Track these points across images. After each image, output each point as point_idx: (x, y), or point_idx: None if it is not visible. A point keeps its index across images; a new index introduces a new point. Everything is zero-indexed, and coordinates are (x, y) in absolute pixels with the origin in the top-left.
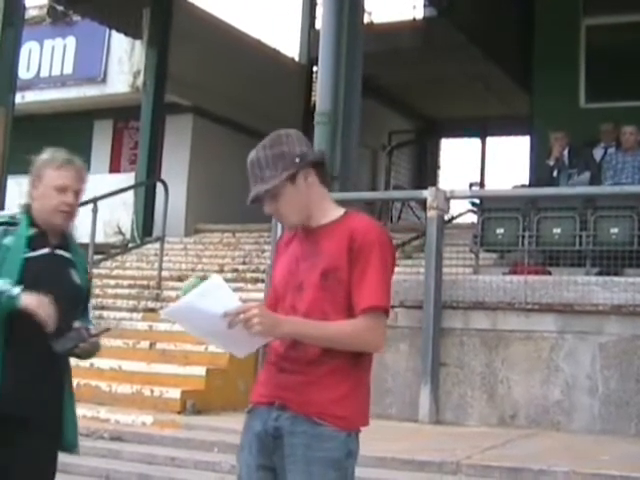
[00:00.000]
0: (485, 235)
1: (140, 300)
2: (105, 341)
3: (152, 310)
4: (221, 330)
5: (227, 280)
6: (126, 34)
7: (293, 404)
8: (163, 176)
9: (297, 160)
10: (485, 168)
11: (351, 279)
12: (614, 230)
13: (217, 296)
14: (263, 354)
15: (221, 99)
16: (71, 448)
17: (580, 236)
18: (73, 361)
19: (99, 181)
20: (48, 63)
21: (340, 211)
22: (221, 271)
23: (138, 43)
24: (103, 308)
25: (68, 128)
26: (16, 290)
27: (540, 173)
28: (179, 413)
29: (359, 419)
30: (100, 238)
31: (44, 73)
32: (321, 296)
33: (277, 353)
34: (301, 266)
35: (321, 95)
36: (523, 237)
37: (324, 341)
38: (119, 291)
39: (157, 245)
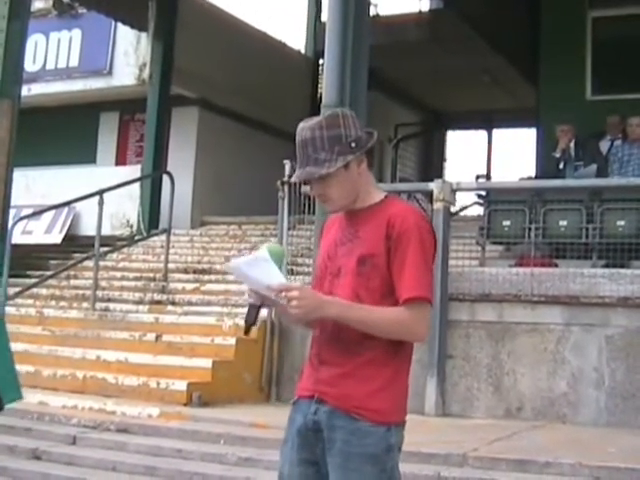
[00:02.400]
0: (491, 227)
1: (146, 292)
2: (111, 333)
3: (158, 302)
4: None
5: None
6: (132, 26)
7: (330, 397)
8: (169, 168)
9: (353, 145)
10: (491, 160)
11: (391, 268)
12: (620, 222)
13: (263, 269)
14: (271, 346)
15: (227, 91)
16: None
17: (587, 228)
18: (80, 354)
19: (105, 174)
20: (54, 55)
21: (381, 195)
22: (227, 262)
23: (144, 35)
24: (109, 300)
25: (74, 121)
26: None
27: (546, 165)
28: (185, 405)
29: (397, 412)
30: (106, 230)
31: (50, 66)
32: (357, 281)
33: (318, 344)
34: (339, 251)
35: (327, 88)
36: (529, 229)
37: (367, 325)
38: (125, 283)
39: (163, 237)
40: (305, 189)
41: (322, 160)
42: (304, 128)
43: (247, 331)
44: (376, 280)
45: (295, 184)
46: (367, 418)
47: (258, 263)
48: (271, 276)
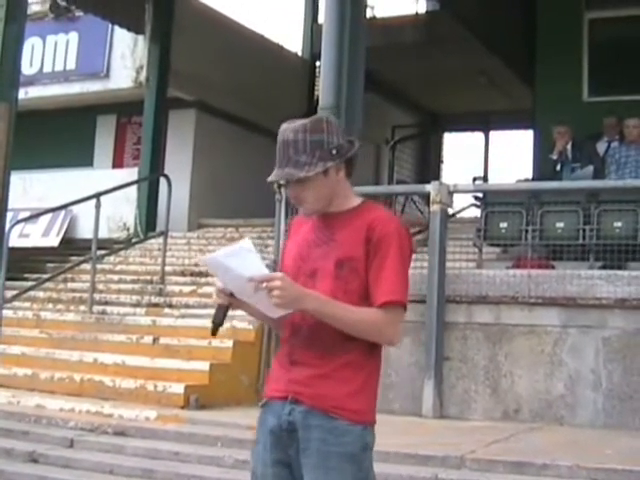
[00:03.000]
0: (488, 229)
1: (143, 295)
2: (108, 336)
3: (155, 305)
4: (250, 291)
5: None
6: (129, 29)
7: (306, 398)
8: (166, 171)
9: (334, 152)
10: (488, 162)
11: (369, 271)
12: (617, 224)
13: (245, 260)
14: (268, 349)
15: (224, 94)
16: None
17: (584, 230)
18: (77, 357)
19: (102, 176)
20: (51, 58)
21: (357, 200)
22: None
23: (141, 38)
24: (106, 303)
25: (71, 123)
26: None
27: (543, 167)
28: (182, 408)
29: (372, 412)
30: (103, 233)
31: (47, 69)
32: (335, 284)
33: (290, 346)
34: (313, 252)
35: (324, 90)
36: (526, 231)
37: (345, 323)
38: (122, 286)
39: (160, 240)
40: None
41: (302, 163)
42: (287, 129)
43: (215, 332)
44: (354, 283)
45: None
46: (345, 417)
47: (240, 253)
48: (253, 267)
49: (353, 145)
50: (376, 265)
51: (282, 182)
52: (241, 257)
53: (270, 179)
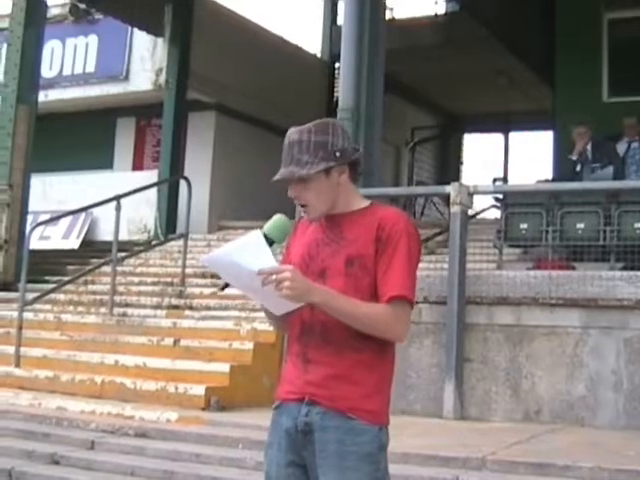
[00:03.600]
0: (509, 230)
1: (164, 297)
2: (129, 338)
3: (176, 307)
4: (257, 287)
5: None
6: (148, 32)
7: (323, 399)
8: (186, 173)
9: (337, 154)
10: (508, 163)
11: (377, 267)
12: (638, 225)
13: (255, 253)
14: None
15: (243, 96)
16: None
17: (604, 231)
18: (98, 359)
19: (122, 179)
20: (70, 61)
21: (366, 202)
22: None
23: (160, 41)
24: (127, 305)
25: (91, 126)
26: None
27: (563, 168)
28: (203, 409)
29: (386, 414)
30: (124, 236)
31: (67, 71)
32: (345, 282)
33: (302, 344)
34: (322, 251)
35: (343, 91)
36: (547, 232)
37: (353, 317)
38: (143, 288)
39: (181, 242)
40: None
41: (304, 162)
42: (294, 131)
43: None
44: (365, 280)
45: None
46: (361, 418)
47: (250, 246)
48: (261, 260)
49: (357, 151)
50: (384, 261)
51: (282, 181)
52: (250, 250)
53: (274, 178)
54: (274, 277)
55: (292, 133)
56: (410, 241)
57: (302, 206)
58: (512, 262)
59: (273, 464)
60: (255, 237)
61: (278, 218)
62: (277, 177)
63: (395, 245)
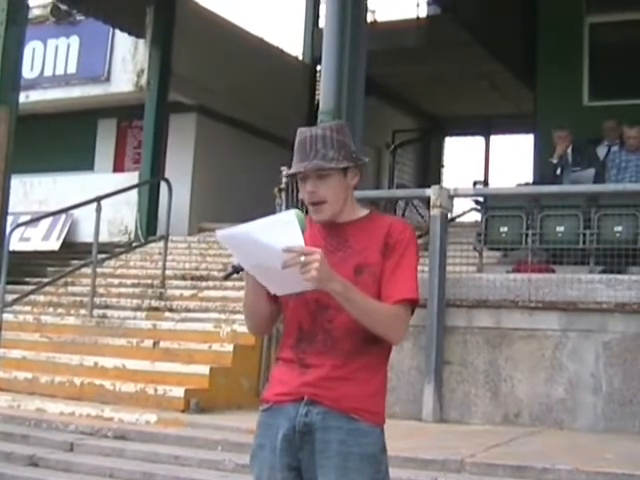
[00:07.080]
0: (489, 233)
1: (144, 299)
2: (109, 340)
3: (156, 309)
4: (271, 265)
5: (232, 279)
6: (129, 33)
7: (325, 399)
8: (167, 175)
9: (354, 156)
10: (489, 166)
11: (383, 271)
12: (618, 228)
13: (283, 231)
14: (268, 353)
15: (225, 98)
16: None
17: (584, 234)
18: (77, 360)
19: (103, 180)
20: (52, 62)
21: (365, 210)
22: (224, 270)
23: (142, 42)
24: (107, 307)
25: (72, 127)
26: None
27: (544, 171)
28: (183, 412)
29: (385, 415)
30: (104, 237)
31: (48, 72)
32: None
33: (300, 351)
34: (328, 260)
35: (324, 94)
36: (527, 235)
37: (363, 310)
38: (123, 290)
39: (161, 244)
40: (302, 196)
41: (330, 157)
42: (311, 129)
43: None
44: (373, 288)
45: (292, 192)
46: (365, 419)
47: (278, 224)
48: (290, 238)
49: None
50: (391, 265)
51: (301, 176)
52: (278, 229)
53: (294, 170)
54: (302, 258)
55: (311, 130)
56: (415, 249)
57: (314, 204)
58: (492, 265)
59: (265, 467)
60: (288, 216)
61: (298, 212)
62: (299, 169)
63: (403, 251)
